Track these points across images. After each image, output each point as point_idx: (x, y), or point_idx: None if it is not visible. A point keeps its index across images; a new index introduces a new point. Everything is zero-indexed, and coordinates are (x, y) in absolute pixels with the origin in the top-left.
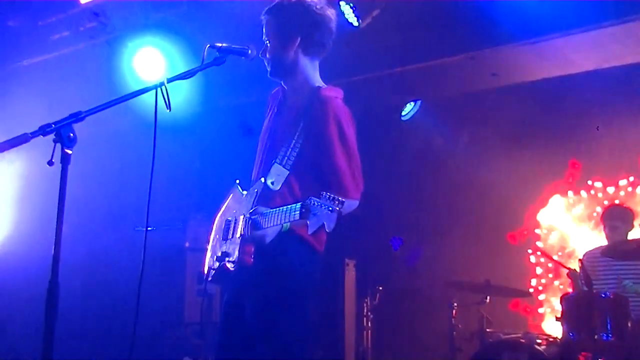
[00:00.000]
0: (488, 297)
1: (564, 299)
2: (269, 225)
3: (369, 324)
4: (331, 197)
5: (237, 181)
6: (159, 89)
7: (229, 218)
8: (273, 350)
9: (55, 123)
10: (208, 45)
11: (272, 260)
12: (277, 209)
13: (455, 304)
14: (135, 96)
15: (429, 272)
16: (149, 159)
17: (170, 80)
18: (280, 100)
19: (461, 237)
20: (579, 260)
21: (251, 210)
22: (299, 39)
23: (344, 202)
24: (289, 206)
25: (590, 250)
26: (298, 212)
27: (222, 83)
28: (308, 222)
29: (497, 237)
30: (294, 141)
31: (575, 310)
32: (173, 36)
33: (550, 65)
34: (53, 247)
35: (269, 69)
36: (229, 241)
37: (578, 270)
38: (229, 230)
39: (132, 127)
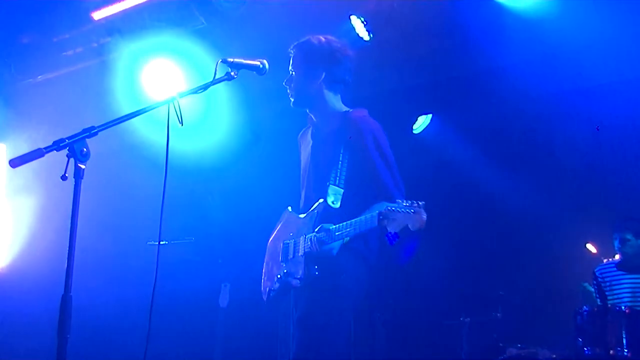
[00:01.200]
0: (501, 311)
1: (578, 313)
2: (336, 239)
3: (381, 339)
4: (408, 203)
5: (290, 208)
6: (171, 104)
7: (287, 241)
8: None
9: (68, 138)
10: (220, 60)
11: (333, 277)
12: (350, 221)
13: (468, 319)
14: (148, 111)
15: (441, 286)
16: (162, 171)
17: (182, 95)
18: (312, 132)
19: (474, 251)
20: (593, 274)
21: (317, 229)
22: (323, 74)
23: (423, 203)
24: (366, 216)
25: (603, 264)
26: (376, 218)
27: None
28: (388, 228)
29: (511, 250)
30: (339, 162)
31: (589, 325)
32: (187, 51)
33: (560, 79)
34: (66, 260)
35: (292, 99)
36: (289, 262)
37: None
38: (288, 252)
39: (145, 141)
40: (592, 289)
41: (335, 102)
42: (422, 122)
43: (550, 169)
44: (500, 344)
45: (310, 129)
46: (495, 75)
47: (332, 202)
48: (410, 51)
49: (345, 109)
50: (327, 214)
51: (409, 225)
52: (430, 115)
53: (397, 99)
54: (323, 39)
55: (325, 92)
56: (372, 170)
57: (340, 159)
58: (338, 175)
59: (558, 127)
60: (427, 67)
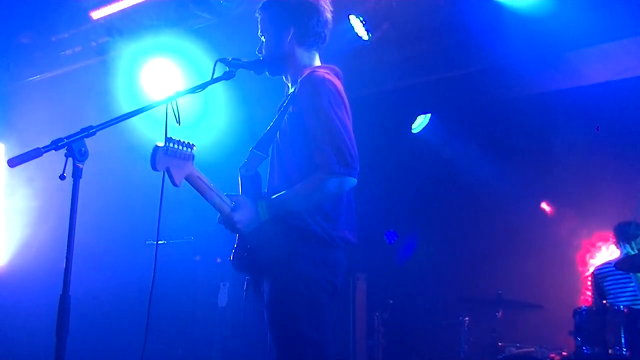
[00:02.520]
0: (500, 311)
1: (577, 312)
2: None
3: (380, 338)
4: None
5: None
6: (169, 103)
7: None
8: None
9: (67, 137)
10: (218, 59)
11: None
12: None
13: (467, 318)
14: (146, 111)
15: (440, 285)
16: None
17: (180, 95)
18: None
19: (473, 250)
20: (591, 274)
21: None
22: (292, 29)
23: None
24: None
25: (602, 264)
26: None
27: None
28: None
29: (510, 249)
30: (281, 127)
31: (588, 324)
32: (185, 50)
33: (560, 78)
34: (65, 259)
35: (266, 68)
36: None
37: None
38: None
39: (144, 140)
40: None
41: (310, 61)
42: (420, 122)
43: (550, 168)
44: (500, 343)
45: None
46: (494, 74)
47: (246, 170)
48: (409, 50)
49: (313, 69)
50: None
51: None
52: (429, 115)
53: (396, 99)
54: None
55: (297, 50)
56: (304, 133)
57: (282, 125)
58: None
59: (557, 126)
60: (426, 66)
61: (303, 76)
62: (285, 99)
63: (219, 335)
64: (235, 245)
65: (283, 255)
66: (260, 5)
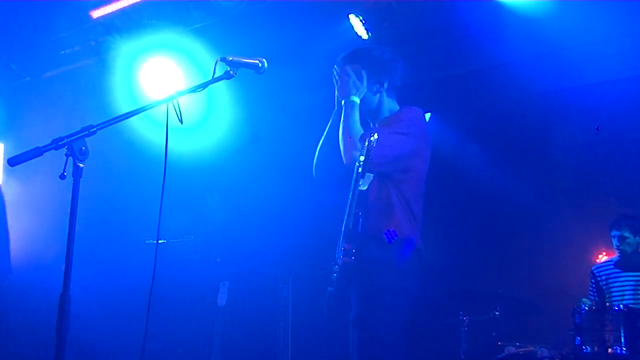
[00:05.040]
0: (499, 310)
1: (576, 311)
2: None
3: None
4: None
5: None
6: (170, 103)
7: None
8: None
9: (67, 137)
10: (219, 59)
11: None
12: None
13: (466, 317)
14: (146, 110)
15: (439, 284)
16: (160, 170)
17: (181, 94)
18: None
19: (472, 248)
20: (591, 272)
21: None
22: (386, 84)
23: None
24: None
25: (602, 262)
26: None
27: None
28: None
29: (509, 247)
30: None
31: (588, 323)
32: (185, 49)
33: (559, 76)
34: (65, 258)
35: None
36: None
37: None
38: None
39: (144, 139)
40: (590, 296)
41: (393, 105)
42: None
43: (550, 167)
44: (499, 343)
45: None
46: (494, 73)
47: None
48: (408, 49)
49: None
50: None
51: None
52: (429, 114)
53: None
54: (376, 49)
55: (385, 99)
56: None
57: None
58: None
59: (558, 125)
60: (425, 65)
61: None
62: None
63: (218, 335)
64: None
65: None
66: (354, 53)
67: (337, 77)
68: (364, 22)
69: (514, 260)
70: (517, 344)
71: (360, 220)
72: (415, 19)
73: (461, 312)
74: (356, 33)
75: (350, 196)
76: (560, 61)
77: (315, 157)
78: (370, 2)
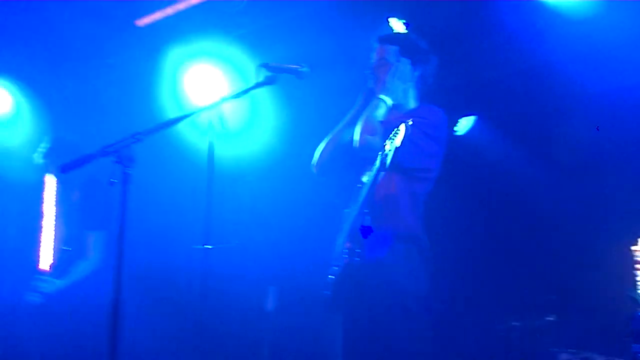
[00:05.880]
0: (552, 315)
1: (633, 318)
2: None
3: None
4: None
5: None
6: (214, 109)
7: None
8: None
9: (115, 144)
10: (260, 65)
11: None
12: None
13: (517, 323)
14: (191, 116)
15: (489, 290)
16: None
17: (224, 100)
18: None
19: (521, 253)
20: None
21: None
22: (417, 73)
23: None
24: None
25: None
26: None
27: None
28: None
29: (560, 251)
30: None
31: None
32: (228, 56)
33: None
34: (115, 264)
35: (388, 96)
36: None
37: None
38: None
39: (191, 145)
40: None
41: (414, 99)
42: (465, 124)
43: (602, 169)
44: (553, 350)
45: None
46: (540, 74)
47: None
48: (450, 51)
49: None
50: None
51: None
52: (473, 117)
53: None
54: (414, 36)
55: (411, 91)
56: None
57: None
58: None
59: (606, 127)
60: (467, 67)
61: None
62: None
63: (267, 340)
64: None
65: None
66: (385, 37)
67: (376, 61)
68: (406, 25)
69: (566, 263)
70: (572, 350)
71: (367, 218)
72: (457, 20)
73: (512, 318)
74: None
75: (367, 191)
76: (608, 61)
77: (324, 148)
78: (410, 5)
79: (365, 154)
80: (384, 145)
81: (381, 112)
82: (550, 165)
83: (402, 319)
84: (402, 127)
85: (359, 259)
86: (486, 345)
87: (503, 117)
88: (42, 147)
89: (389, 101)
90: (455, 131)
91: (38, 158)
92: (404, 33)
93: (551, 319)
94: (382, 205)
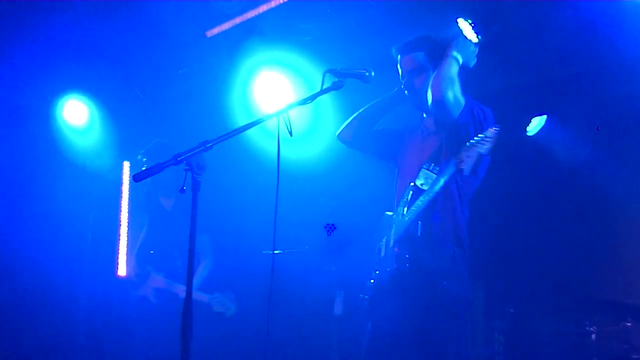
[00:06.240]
0: (630, 320)
1: None
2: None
3: (500, 348)
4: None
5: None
6: (280, 116)
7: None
8: None
9: (185, 152)
10: (326, 70)
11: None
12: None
13: (594, 327)
14: (259, 124)
15: (565, 293)
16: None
17: (291, 107)
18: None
19: (600, 255)
20: None
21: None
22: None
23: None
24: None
25: None
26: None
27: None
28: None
29: (632, 251)
30: None
31: None
32: (294, 63)
33: None
34: (186, 269)
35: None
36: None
37: None
38: (380, 251)
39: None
40: None
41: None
42: (536, 123)
43: None
44: (634, 356)
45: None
46: (613, 72)
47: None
48: (521, 49)
49: None
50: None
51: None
52: (545, 116)
53: (510, 99)
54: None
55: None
56: None
57: None
58: None
59: None
60: (542, 65)
61: None
62: None
63: (335, 345)
64: None
65: None
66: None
67: (408, 72)
68: (473, 25)
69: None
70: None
71: (420, 223)
72: (527, 18)
73: (588, 322)
74: (465, 37)
75: (432, 197)
76: None
77: (352, 119)
78: (480, 4)
79: (438, 111)
80: (461, 149)
81: (455, 70)
82: (623, 165)
83: (449, 324)
84: (491, 132)
85: (408, 265)
86: (561, 352)
87: (574, 116)
88: (142, 151)
89: (460, 59)
90: (526, 131)
91: (140, 160)
92: (423, 35)
93: (629, 324)
94: (440, 210)
